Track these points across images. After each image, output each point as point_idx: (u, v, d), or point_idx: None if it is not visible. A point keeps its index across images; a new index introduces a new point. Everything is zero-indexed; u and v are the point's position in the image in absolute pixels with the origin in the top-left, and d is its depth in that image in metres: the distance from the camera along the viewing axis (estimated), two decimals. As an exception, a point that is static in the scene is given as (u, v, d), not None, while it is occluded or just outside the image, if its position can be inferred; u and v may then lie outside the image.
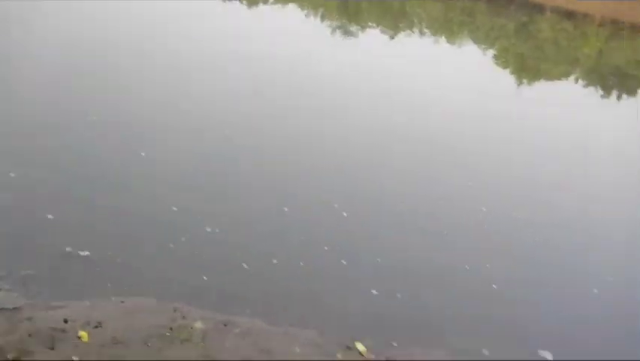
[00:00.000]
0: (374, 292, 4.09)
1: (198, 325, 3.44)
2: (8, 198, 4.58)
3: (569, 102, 11.56)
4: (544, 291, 4.51)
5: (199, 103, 7.45)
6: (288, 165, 6.16)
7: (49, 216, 4.39)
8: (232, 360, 3.19)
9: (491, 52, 16.18)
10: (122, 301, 3.60)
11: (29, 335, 3.10)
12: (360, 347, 3.49)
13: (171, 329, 3.38)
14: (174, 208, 4.78)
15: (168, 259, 4.12)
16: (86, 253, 4.02)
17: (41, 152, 5.52)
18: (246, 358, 3.23)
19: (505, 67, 14.56)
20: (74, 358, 2.94)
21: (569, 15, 22.43)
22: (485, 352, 3.62)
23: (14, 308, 3.38)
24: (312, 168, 6.23)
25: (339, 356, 3.38)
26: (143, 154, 5.68)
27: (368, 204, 5.48)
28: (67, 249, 4.04)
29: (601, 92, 13.57)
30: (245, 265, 4.15)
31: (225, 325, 3.50)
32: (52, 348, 3.02)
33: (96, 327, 3.29)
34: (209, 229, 4.53)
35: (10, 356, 2.86)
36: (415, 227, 5.16)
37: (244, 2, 16.57)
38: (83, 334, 3.20)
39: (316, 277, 4.19)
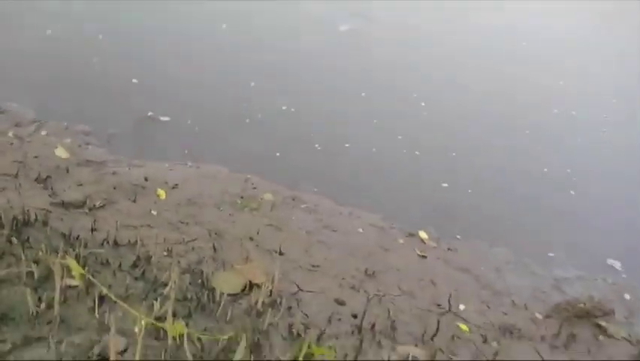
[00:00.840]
0: (444, 185, 4.02)
1: (268, 196, 3.56)
2: (97, 61, 4.77)
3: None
4: (622, 204, 4.24)
5: None
6: (373, 56, 5.94)
7: (134, 81, 4.56)
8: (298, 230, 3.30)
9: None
10: (198, 167, 3.77)
11: (114, 188, 3.33)
12: (423, 234, 3.50)
13: (242, 197, 3.52)
14: (252, 84, 4.81)
15: (243, 132, 4.22)
16: (167, 118, 4.18)
17: (131, 21, 5.63)
18: (310, 232, 3.33)
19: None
20: (153, 212, 3.15)
21: None
22: (550, 254, 3.54)
23: (101, 162, 3.63)
24: (395, 59, 5.99)
25: (401, 241, 3.42)
26: (223, 26, 5.65)
27: (450, 98, 5.25)
28: (150, 113, 4.21)
29: None
30: (317, 146, 4.17)
31: (293, 199, 3.60)
32: (134, 201, 3.24)
33: (173, 187, 3.49)
34: (284, 107, 4.54)
35: (97, 204, 3.11)
36: (498, 128, 4.92)
37: None
38: (161, 192, 3.40)
39: (386, 165, 4.16)
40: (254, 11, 6.46)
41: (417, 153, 4.33)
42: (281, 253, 3.02)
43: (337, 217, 3.55)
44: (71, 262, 1.99)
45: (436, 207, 3.81)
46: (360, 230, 3.47)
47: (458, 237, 3.58)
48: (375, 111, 4.80)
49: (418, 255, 3.34)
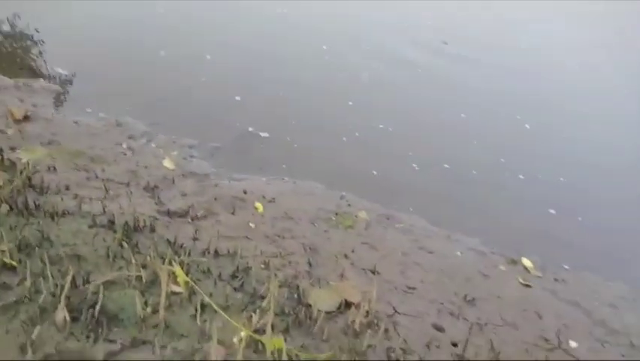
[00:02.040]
0: (552, 211, 3.78)
1: (362, 214, 3.52)
2: (203, 79, 5.01)
3: None
4: None
5: None
6: (471, 79, 5.77)
7: (237, 98, 4.73)
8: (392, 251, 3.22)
9: None
10: (295, 183, 3.80)
11: (215, 199, 3.43)
12: (526, 262, 3.29)
13: (337, 214, 3.50)
14: (350, 103, 4.82)
15: (340, 149, 4.22)
16: (266, 134, 4.28)
17: (236, 38, 5.88)
18: (405, 252, 3.23)
19: None
20: (251, 224, 3.20)
21: None
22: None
23: (203, 174, 3.76)
24: (494, 83, 5.78)
25: (502, 268, 3.23)
26: (324, 47, 5.75)
27: (558, 122, 4.97)
28: (250, 129, 4.33)
29: None
30: (415, 166, 4.08)
31: (388, 218, 3.53)
32: (233, 213, 3.32)
33: (270, 201, 3.54)
34: (381, 126, 4.51)
35: (199, 214, 3.22)
36: (611, 151, 4.58)
37: None
38: (259, 205, 3.46)
39: (487, 187, 3.98)
40: (354, 34, 6.52)
41: (521, 177, 4.12)
42: (376, 273, 2.95)
43: (434, 239, 3.42)
44: (177, 270, 2.05)
45: (541, 234, 3.58)
46: (459, 253, 3.32)
47: (566, 267, 3.33)
48: (476, 133, 4.63)
49: (521, 283, 3.13)
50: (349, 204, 3.62)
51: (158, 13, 6.50)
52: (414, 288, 2.89)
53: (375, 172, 3.95)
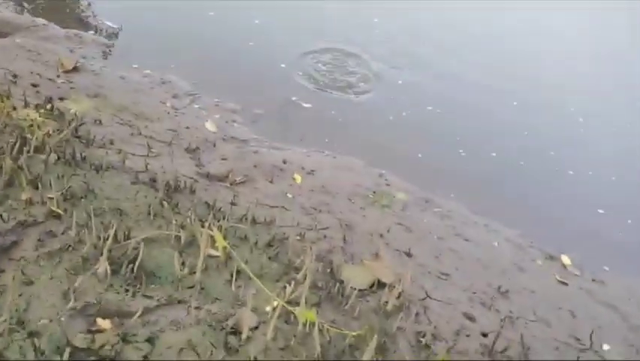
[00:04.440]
0: (600, 210, 3.66)
1: (401, 195, 3.47)
2: (251, 43, 4.97)
3: None
4: None
5: None
6: (527, 68, 5.58)
7: (282, 65, 4.69)
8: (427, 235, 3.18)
9: None
10: (335, 157, 3.77)
11: (254, 166, 3.44)
12: (565, 259, 3.21)
13: (374, 192, 3.46)
14: (399, 82, 4.74)
15: (385, 128, 4.15)
16: (309, 105, 4.24)
17: (284, 4, 5.81)
18: (441, 238, 3.19)
19: None
20: (289, 195, 3.20)
21: None
22: None
23: (244, 140, 3.76)
24: (547, 71, 5.57)
25: (539, 263, 3.16)
26: (375, 20, 5.60)
27: (612, 113, 4.78)
28: (293, 98, 4.30)
29: None
30: (461, 151, 4.00)
31: (427, 201, 3.48)
32: (272, 182, 3.32)
33: (309, 173, 3.52)
34: (430, 108, 4.42)
35: (238, 179, 3.23)
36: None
37: None
38: (297, 176, 3.45)
39: (535, 180, 3.88)
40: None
41: (570, 172, 3.99)
42: (410, 255, 2.92)
43: (471, 227, 3.36)
44: (217, 235, 2.06)
45: (585, 232, 3.47)
46: (495, 244, 3.25)
47: (606, 268, 3.23)
48: (528, 123, 4.49)
49: (558, 280, 3.06)
50: (388, 184, 3.58)
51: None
52: (447, 274, 2.86)
53: (419, 154, 3.88)
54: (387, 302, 2.30)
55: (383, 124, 4.19)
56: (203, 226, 2.23)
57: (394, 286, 2.38)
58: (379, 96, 4.54)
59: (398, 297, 2.37)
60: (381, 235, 3.04)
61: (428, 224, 3.28)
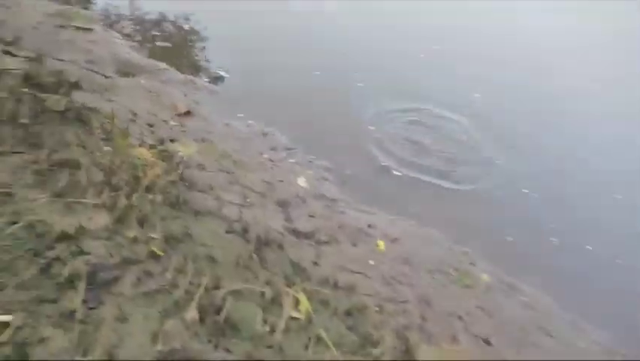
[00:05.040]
0: None
1: (484, 277, 3.37)
2: (350, 111, 5.11)
3: None
4: None
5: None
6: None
7: (372, 130, 4.79)
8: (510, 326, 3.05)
9: None
10: (420, 227, 3.74)
11: (339, 227, 3.49)
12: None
13: (457, 270, 3.39)
14: (497, 161, 4.69)
15: (476, 205, 4.08)
16: (399, 173, 4.27)
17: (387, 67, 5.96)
18: (523, 328, 3.05)
19: None
20: (371, 261, 3.21)
21: None
22: None
23: (333, 199, 3.84)
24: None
25: (630, 373, 2.93)
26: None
27: None
28: (383, 163, 4.35)
29: None
30: (554, 240, 3.84)
31: (511, 288, 3.35)
32: (355, 245, 3.35)
33: (392, 241, 3.52)
34: (526, 191, 4.31)
35: (323, 239, 3.29)
36: None
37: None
38: (381, 243, 3.46)
39: (631, 283, 3.63)
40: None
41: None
42: (489, 344, 2.81)
43: (557, 323, 3.19)
44: (302, 298, 2.11)
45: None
46: (582, 345, 3.06)
47: None
48: (630, 222, 4.24)
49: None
50: (472, 263, 3.49)
51: (325, 29, 6.79)
52: (527, 371, 2.72)
53: (508, 237, 3.77)
54: (463, 395, 2.22)
55: (473, 199, 4.13)
56: (288, 286, 2.28)
57: (472, 379, 2.29)
58: (472, 170, 4.48)
59: (476, 391, 2.28)
60: (460, 317, 2.96)
61: (510, 312, 3.15)
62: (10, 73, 3.16)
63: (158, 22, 6.21)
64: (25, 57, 3.61)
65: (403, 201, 4.00)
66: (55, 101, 3.10)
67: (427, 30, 7.52)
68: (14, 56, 3.53)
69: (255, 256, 2.64)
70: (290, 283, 2.31)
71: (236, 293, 2.31)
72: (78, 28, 4.97)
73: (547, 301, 3.33)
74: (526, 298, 3.30)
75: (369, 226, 3.61)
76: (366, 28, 7.14)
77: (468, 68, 6.30)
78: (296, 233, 3.25)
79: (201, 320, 2.12)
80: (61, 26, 4.89)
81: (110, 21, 5.89)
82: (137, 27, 5.91)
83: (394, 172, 4.28)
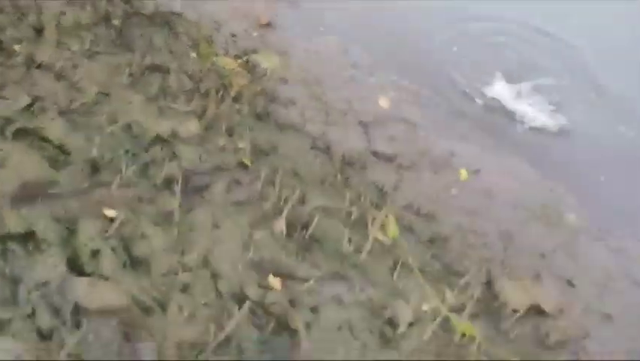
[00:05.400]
0: None
1: (571, 217, 3.20)
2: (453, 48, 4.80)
3: None
4: None
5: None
6: None
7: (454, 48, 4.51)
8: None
9: None
10: (504, 158, 3.55)
11: (421, 153, 3.37)
12: None
13: (543, 206, 3.23)
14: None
15: (568, 143, 3.83)
16: (481, 101, 4.04)
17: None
18: (608, 274, 2.92)
19: None
20: (453, 190, 3.11)
21: None
22: None
23: (414, 123, 3.67)
24: None
25: None
26: None
27: None
28: (467, 90, 4.10)
29: None
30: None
31: (600, 231, 3.18)
32: (436, 173, 3.24)
33: (474, 172, 3.37)
34: (622, 128, 4.01)
35: (404, 163, 3.19)
36: None
37: None
38: (463, 172, 3.32)
39: None
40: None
41: None
42: (572, 285, 2.72)
43: (646, 271, 3.03)
44: (391, 221, 2.06)
45: None
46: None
47: None
48: None
49: None
50: (559, 201, 3.32)
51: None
52: (610, 316, 2.62)
53: (601, 177, 3.54)
54: (548, 335, 2.16)
55: (565, 134, 3.86)
56: (375, 207, 2.24)
57: (559, 320, 2.23)
58: (569, 102, 4.16)
59: (561, 332, 2.22)
60: (542, 255, 2.86)
61: (597, 256, 3.01)
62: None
63: None
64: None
65: (487, 132, 3.81)
66: (145, 4, 3.05)
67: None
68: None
69: (339, 175, 2.60)
70: (377, 205, 2.26)
71: (323, 210, 2.29)
72: None
73: (637, 250, 3.16)
74: (615, 244, 3.13)
75: (452, 154, 3.47)
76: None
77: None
78: (377, 155, 3.17)
79: (289, 234, 2.12)
80: None
81: None
82: None
83: (478, 100, 4.05)
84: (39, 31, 2.47)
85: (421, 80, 4.10)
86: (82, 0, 2.83)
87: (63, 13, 2.70)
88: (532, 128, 3.88)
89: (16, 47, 2.28)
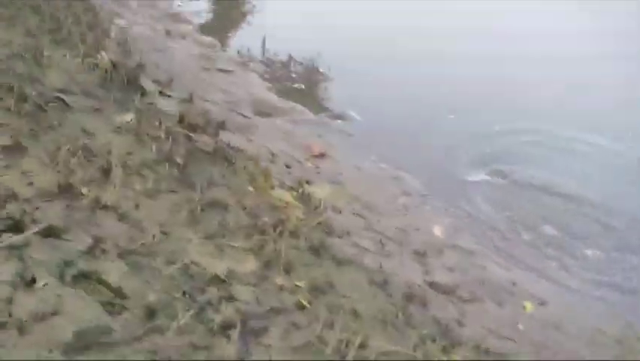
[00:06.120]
0: None
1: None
2: (487, 150, 4.83)
3: None
4: None
5: None
6: None
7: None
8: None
9: None
10: (571, 289, 3.38)
11: (481, 283, 3.23)
12: None
13: (621, 343, 2.98)
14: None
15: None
16: (554, 232, 3.91)
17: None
18: None
19: None
20: (520, 325, 2.91)
21: None
22: None
23: (470, 251, 3.58)
24: None
25: None
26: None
27: None
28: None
29: None
30: None
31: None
32: (500, 305, 3.07)
33: (540, 304, 3.19)
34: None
35: (465, 296, 3.04)
36: None
37: None
38: (528, 304, 3.15)
39: None
40: None
41: None
42: None
43: None
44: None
45: None
46: None
47: None
48: None
49: None
50: (637, 337, 3.05)
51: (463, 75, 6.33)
52: None
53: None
54: None
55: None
56: (443, 351, 2.09)
57: None
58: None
59: None
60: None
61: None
62: (166, 114, 3.31)
63: (288, 63, 6.37)
64: (178, 98, 3.80)
65: (545, 259, 3.66)
66: (206, 141, 3.19)
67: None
68: (168, 97, 3.73)
69: (400, 314, 2.47)
70: (443, 348, 2.11)
71: (386, 355, 2.15)
72: (220, 69, 5.22)
73: None
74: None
75: (514, 283, 3.31)
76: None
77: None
78: (435, 287, 3.04)
79: (351, 380, 1.98)
80: (205, 68, 5.16)
81: (245, 61, 6.12)
82: (269, 68, 6.10)
83: (548, 232, 3.91)
84: (107, 171, 2.58)
85: (476, 208, 4.06)
86: (148, 138, 2.99)
87: (130, 153, 2.83)
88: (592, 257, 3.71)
89: (84, 190, 2.36)
